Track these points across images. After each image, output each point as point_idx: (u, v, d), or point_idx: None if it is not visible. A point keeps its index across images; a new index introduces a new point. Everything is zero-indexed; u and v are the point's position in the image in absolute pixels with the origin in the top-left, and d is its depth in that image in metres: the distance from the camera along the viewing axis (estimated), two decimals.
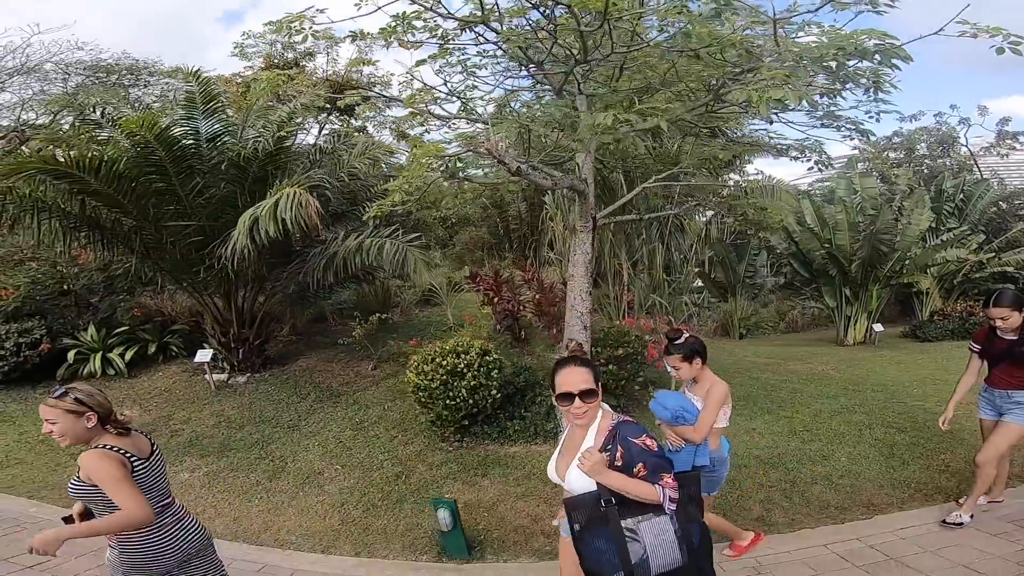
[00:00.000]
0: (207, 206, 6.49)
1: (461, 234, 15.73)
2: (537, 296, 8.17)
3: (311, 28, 4.26)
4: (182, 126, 6.71)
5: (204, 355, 7.23)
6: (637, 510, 2.00)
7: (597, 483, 2.03)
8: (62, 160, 5.31)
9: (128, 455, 2.10)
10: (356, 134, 12.76)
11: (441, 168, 4.09)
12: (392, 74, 15.42)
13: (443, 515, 4.14)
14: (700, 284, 13.06)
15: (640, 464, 2.00)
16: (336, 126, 14.64)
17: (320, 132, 7.45)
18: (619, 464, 2.03)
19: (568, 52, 4.25)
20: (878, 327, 10.21)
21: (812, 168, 10.19)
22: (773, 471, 5.18)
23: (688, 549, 2.05)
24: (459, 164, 4.17)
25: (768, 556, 3.96)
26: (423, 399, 5.69)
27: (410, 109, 5.02)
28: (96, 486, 2.03)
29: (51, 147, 7.24)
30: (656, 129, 3.81)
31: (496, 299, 8.11)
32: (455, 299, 10.83)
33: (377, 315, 8.24)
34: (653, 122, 3.52)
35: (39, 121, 14.25)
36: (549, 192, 9.48)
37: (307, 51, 16.01)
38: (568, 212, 9.14)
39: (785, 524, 4.39)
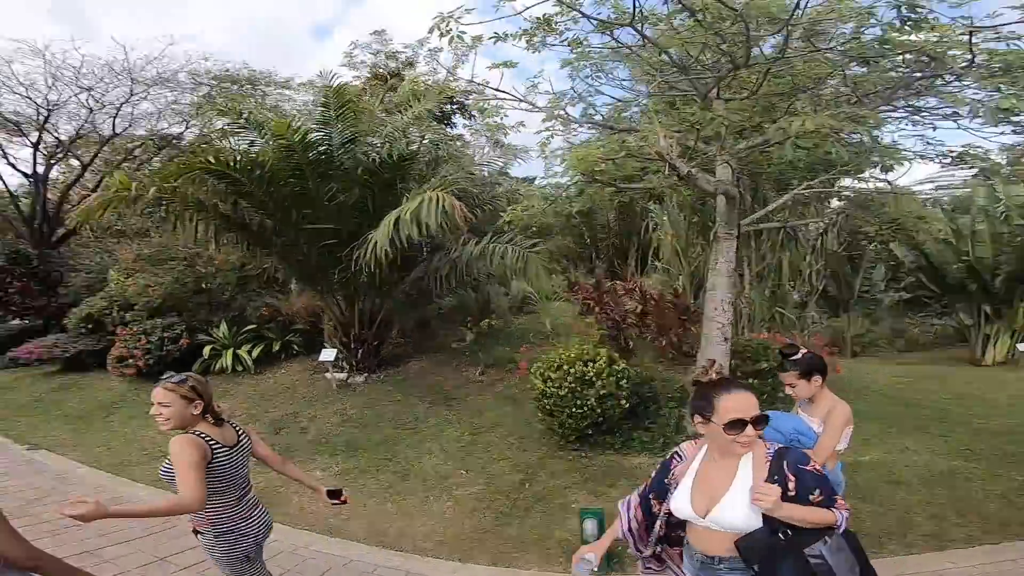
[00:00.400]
0: (339, 210, 6.83)
1: (545, 242, 15.78)
2: (640, 307, 8.00)
3: (456, 30, 4.32)
4: (317, 131, 7.07)
5: (328, 354, 7.57)
6: (810, 536, 1.89)
7: (768, 517, 1.88)
8: (223, 161, 5.73)
9: (212, 442, 2.22)
10: (456, 142, 13.11)
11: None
12: (486, 82, 15.83)
13: (590, 526, 4.06)
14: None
15: (816, 491, 1.90)
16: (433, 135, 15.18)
17: (422, 140, 7.68)
18: (792, 494, 1.89)
19: (727, 57, 4.10)
20: (1022, 346, 9.23)
21: (976, 175, 9.32)
22: (938, 488, 4.80)
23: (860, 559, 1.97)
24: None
25: (950, 570, 3.71)
26: (548, 406, 5.66)
27: (542, 114, 5.04)
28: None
29: (199, 151, 7.83)
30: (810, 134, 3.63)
31: (598, 309, 8.01)
32: (548, 308, 10.82)
33: (487, 320, 8.35)
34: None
35: (171, 130, 15.58)
36: (656, 201, 9.29)
37: (408, 61, 16.78)
38: (677, 222, 8.91)
39: (963, 540, 4.08)
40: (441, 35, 4.34)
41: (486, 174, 10.57)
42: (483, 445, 6.41)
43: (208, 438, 2.23)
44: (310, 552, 4.52)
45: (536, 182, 14.18)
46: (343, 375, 8.04)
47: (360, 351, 7.93)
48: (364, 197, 6.82)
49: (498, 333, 9.57)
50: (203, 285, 9.17)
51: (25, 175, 14.07)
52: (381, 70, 15.94)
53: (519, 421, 6.73)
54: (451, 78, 5.58)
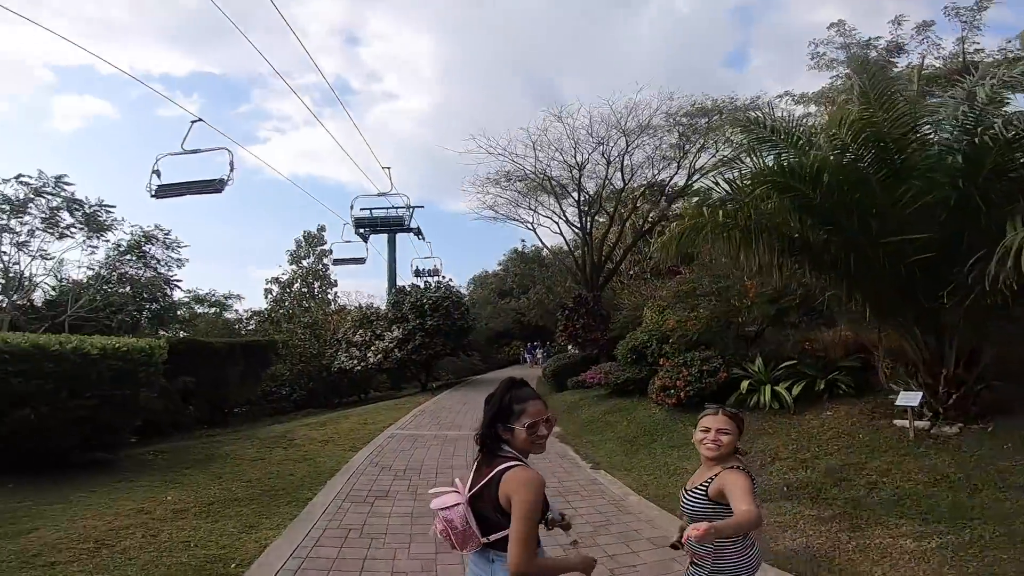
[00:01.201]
0: (921, 214, 5.35)
1: None
2: None
3: None
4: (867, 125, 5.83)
5: (910, 398, 5.98)
6: None
7: None
8: (787, 170, 5.27)
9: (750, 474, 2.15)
10: None
11: None
12: None
13: None
14: None
15: None
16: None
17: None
18: None
19: None
20: None
21: None
22: None
23: None
24: None
25: None
26: None
27: None
28: (719, 502, 2.12)
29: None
30: None
31: None
32: None
33: None
34: None
35: (661, 176, 17.10)
36: None
37: (896, 44, 13.96)
38: None
39: None
40: None
41: None
42: None
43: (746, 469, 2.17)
44: None
45: None
46: (924, 424, 6.24)
47: (953, 396, 5.97)
48: (961, 194, 5.12)
49: None
50: (738, 319, 9.10)
51: (578, 229, 18.05)
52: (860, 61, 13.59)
53: None
54: None
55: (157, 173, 11.33)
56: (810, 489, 5.71)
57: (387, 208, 27.74)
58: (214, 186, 11.06)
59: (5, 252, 15.84)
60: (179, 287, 22.54)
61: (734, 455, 2.21)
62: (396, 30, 72.12)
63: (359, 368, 19.30)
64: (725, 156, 16.54)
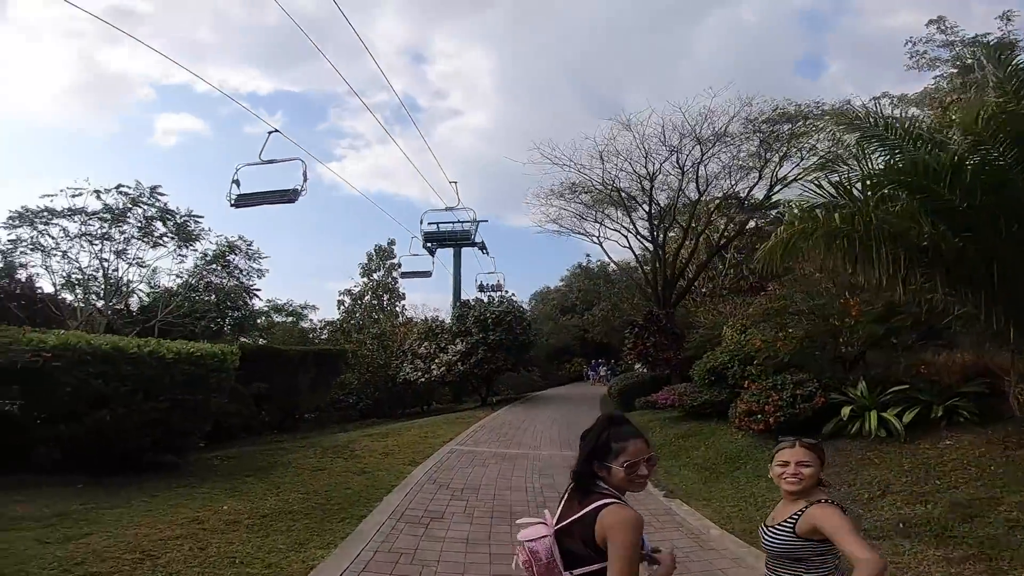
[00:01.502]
0: None
1: None
2: None
3: None
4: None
5: None
6: None
7: None
8: (921, 167, 4.44)
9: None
10: None
11: None
12: None
13: None
14: None
15: None
16: None
17: None
18: None
19: None
20: None
21: None
22: None
23: None
24: None
25: None
26: None
27: None
28: (809, 538, 1.98)
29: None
30: None
31: None
32: None
33: None
34: None
35: (738, 188, 15.84)
36: None
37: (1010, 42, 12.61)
38: None
39: None
40: None
41: None
42: None
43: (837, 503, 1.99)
44: None
45: None
46: None
47: None
48: None
49: None
50: (837, 340, 8.07)
51: (648, 243, 17.07)
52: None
53: None
54: None
55: (237, 183, 11.68)
56: (932, 526, 4.92)
57: (453, 223, 27.87)
58: (288, 196, 11.29)
59: (106, 259, 16.94)
60: (258, 296, 23.38)
61: (819, 488, 2.09)
62: (459, 48, 74.00)
63: (423, 380, 19.23)
64: (812, 164, 15.28)
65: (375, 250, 32.63)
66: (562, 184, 17.45)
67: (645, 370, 15.93)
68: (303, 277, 66.84)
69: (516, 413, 16.12)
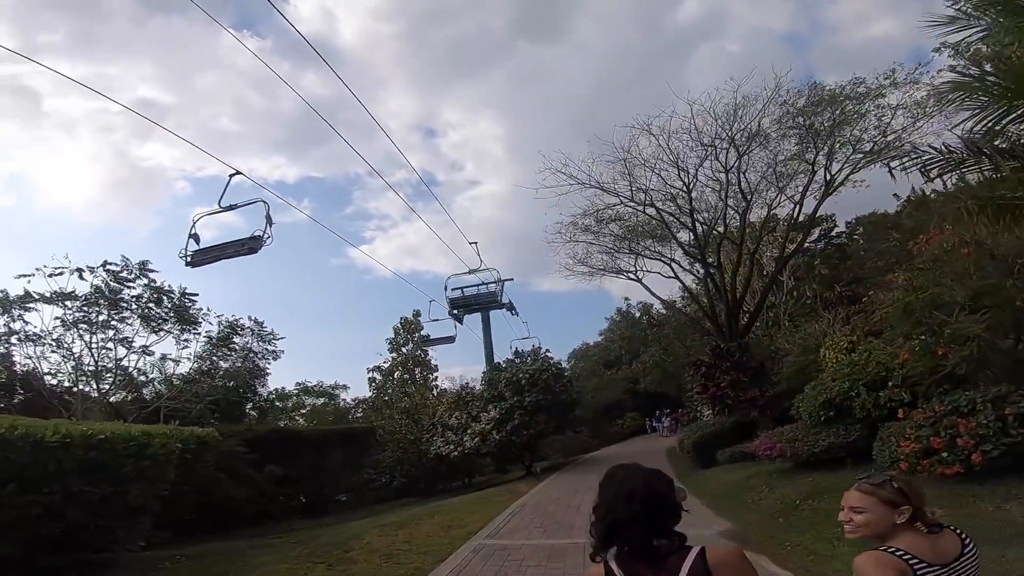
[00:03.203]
0: None
1: None
2: None
3: None
4: None
5: None
6: None
7: None
8: None
9: (912, 560, 1.58)
10: None
11: None
12: None
13: None
14: None
15: None
16: None
17: None
18: None
19: None
20: None
21: None
22: None
23: None
24: None
25: None
26: None
27: None
28: None
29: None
30: None
31: None
32: None
33: None
34: None
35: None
36: None
37: None
38: None
39: None
40: None
41: None
42: None
43: (904, 554, 1.57)
44: None
45: None
46: None
47: None
48: None
49: None
50: None
51: (698, 264, 14.10)
52: None
53: None
54: None
55: (195, 238, 9.41)
56: None
57: (478, 285, 25.83)
58: (248, 246, 9.07)
59: (108, 348, 15.34)
60: (265, 378, 21.50)
61: (910, 529, 1.62)
62: (466, 117, 74.75)
63: (456, 454, 16.35)
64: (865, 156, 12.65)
65: (401, 323, 30.69)
66: (585, 212, 14.73)
67: (716, 415, 12.70)
68: (338, 361, 65.29)
69: (565, 483, 12.86)
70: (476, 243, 27.44)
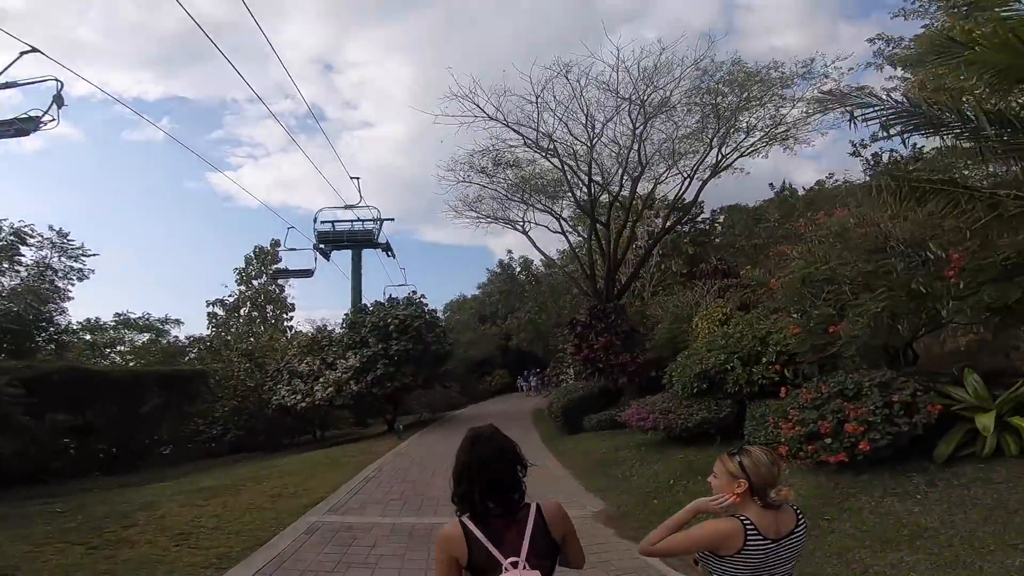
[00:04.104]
0: None
1: None
2: None
3: None
4: None
5: None
6: None
7: None
8: None
9: (751, 529, 1.81)
10: None
11: None
12: None
13: None
14: None
15: None
16: None
17: None
18: None
19: None
20: None
21: None
22: None
23: None
24: None
25: None
26: None
27: None
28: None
29: None
30: None
31: None
32: None
33: None
34: None
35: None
36: None
37: None
38: None
39: None
40: None
41: None
42: None
43: (749, 524, 1.80)
44: None
45: None
46: None
47: None
48: None
49: None
50: (922, 315, 5.04)
51: (594, 223, 13.67)
52: None
53: None
54: None
55: None
56: None
57: (352, 221, 23.30)
58: (18, 126, 6.87)
59: None
60: (66, 300, 17.44)
61: (752, 505, 1.83)
62: (374, 56, 68.41)
63: (304, 404, 14.53)
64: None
65: (255, 252, 26.86)
66: (484, 151, 13.44)
67: (584, 379, 12.52)
68: (185, 294, 57.38)
69: (430, 443, 11.86)
70: (358, 178, 24.44)
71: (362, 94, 66.77)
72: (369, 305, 17.76)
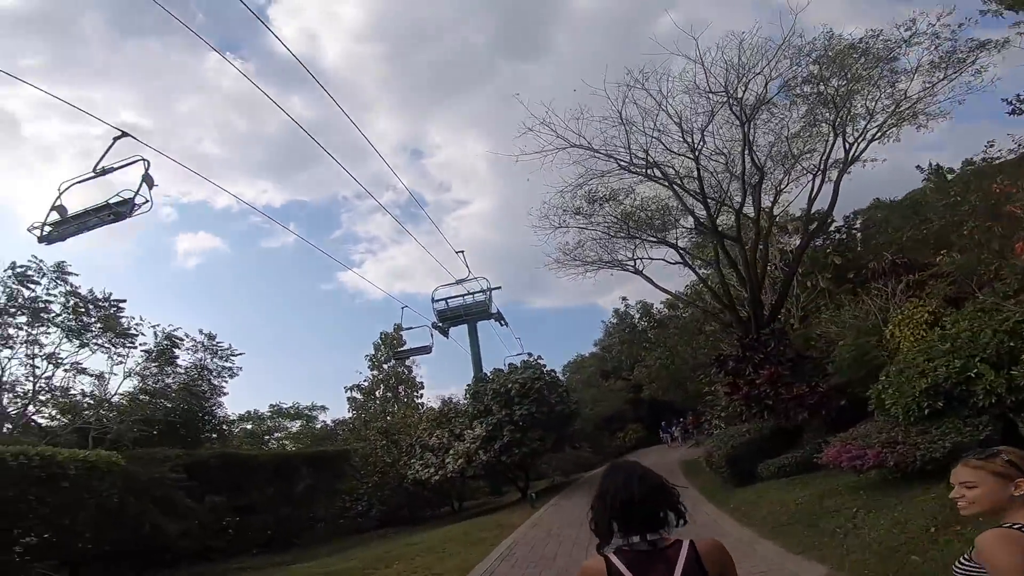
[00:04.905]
0: None
1: None
2: None
3: None
4: None
5: None
6: None
7: None
8: None
9: None
10: None
11: None
12: None
13: None
14: None
15: None
16: None
17: None
18: None
19: None
20: None
21: None
22: None
23: None
24: None
25: None
26: None
27: None
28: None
29: None
30: None
31: None
32: None
33: None
34: None
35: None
36: None
37: None
38: None
39: None
40: None
41: None
42: None
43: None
44: None
45: None
46: None
47: None
48: None
49: None
50: None
51: (721, 242, 11.85)
52: None
53: None
54: None
55: (59, 210, 7.04)
56: None
57: (464, 296, 23.43)
58: (115, 210, 6.98)
59: (38, 366, 12.81)
60: (222, 395, 18.93)
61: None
62: (450, 136, 72.16)
63: (436, 478, 13.86)
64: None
65: (382, 338, 28.09)
66: (575, 186, 12.11)
67: (745, 420, 10.37)
68: (328, 384, 62.16)
69: (565, 510, 10.33)
70: (463, 252, 24.77)
71: (451, 173, 70.70)
72: (488, 374, 17.21)
